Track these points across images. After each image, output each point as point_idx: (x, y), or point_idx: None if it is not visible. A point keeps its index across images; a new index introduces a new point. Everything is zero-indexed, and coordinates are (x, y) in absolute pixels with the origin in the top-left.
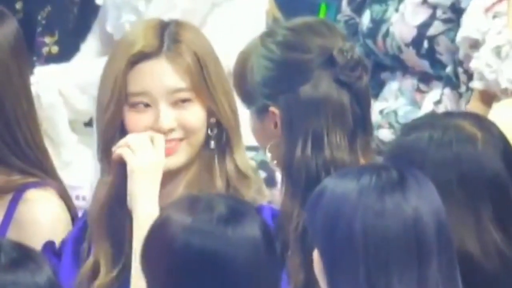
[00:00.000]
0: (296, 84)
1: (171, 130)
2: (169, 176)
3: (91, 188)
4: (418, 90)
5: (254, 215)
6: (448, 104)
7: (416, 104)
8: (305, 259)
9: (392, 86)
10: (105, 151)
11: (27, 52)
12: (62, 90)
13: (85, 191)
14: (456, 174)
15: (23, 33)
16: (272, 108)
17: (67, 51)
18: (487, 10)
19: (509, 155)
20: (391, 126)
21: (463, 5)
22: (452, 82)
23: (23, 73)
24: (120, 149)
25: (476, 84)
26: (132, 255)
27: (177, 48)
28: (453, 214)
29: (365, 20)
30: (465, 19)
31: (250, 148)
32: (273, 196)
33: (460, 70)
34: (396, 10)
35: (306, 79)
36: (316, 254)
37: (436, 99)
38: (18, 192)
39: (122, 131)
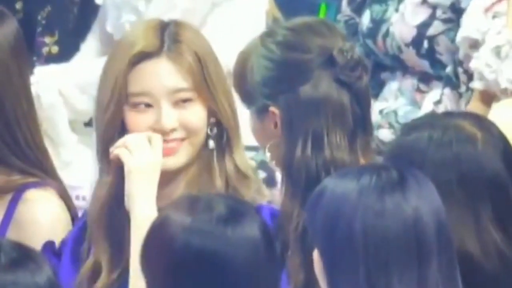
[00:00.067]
0: (296, 84)
1: (173, 130)
2: (169, 176)
3: (91, 188)
4: (418, 90)
5: (253, 215)
6: (448, 104)
7: (416, 104)
8: (305, 259)
9: (392, 86)
10: (104, 151)
11: (27, 52)
12: (62, 90)
13: (85, 191)
14: (456, 174)
15: (23, 33)
16: (272, 108)
17: (67, 51)
18: (487, 10)
19: (509, 155)
20: (391, 126)
21: (463, 5)
22: (452, 82)
23: (23, 73)
24: (118, 149)
25: (476, 84)
26: (130, 255)
27: (177, 48)
28: (453, 214)
29: (365, 20)
30: (465, 19)
31: (250, 148)
32: (273, 196)
33: (460, 70)
34: (396, 10)
35: (306, 79)
36: (316, 254)
37: (436, 99)
38: (18, 192)
39: (122, 132)
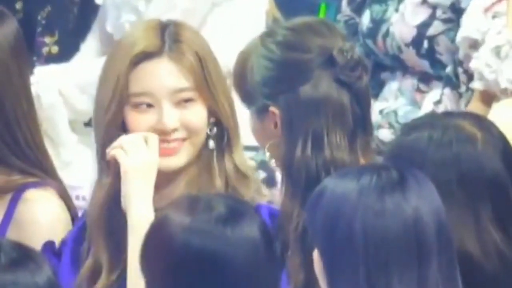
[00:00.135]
0: (296, 84)
1: (174, 130)
2: (168, 176)
3: (91, 188)
4: (418, 90)
5: (253, 215)
6: (448, 104)
7: (416, 104)
8: (305, 259)
9: (392, 86)
10: (103, 152)
11: (27, 52)
12: (62, 90)
13: (85, 191)
14: (456, 174)
15: (23, 33)
16: (272, 108)
17: (67, 51)
18: (487, 10)
19: (509, 155)
20: (391, 126)
21: (463, 5)
22: (452, 82)
23: (23, 73)
24: (114, 150)
25: (476, 84)
26: (128, 256)
27: (178, 48)
28: (453, 214)
29: (365, 20)
30: (465, 19)
31: (250, 148)
32: (273, 196)
33: (460, 70)
34: (396, 10)
35: (306, 79)
36: (316, 254)
37: (436, 99)
38: (18, 192)
39: (123, 132)
